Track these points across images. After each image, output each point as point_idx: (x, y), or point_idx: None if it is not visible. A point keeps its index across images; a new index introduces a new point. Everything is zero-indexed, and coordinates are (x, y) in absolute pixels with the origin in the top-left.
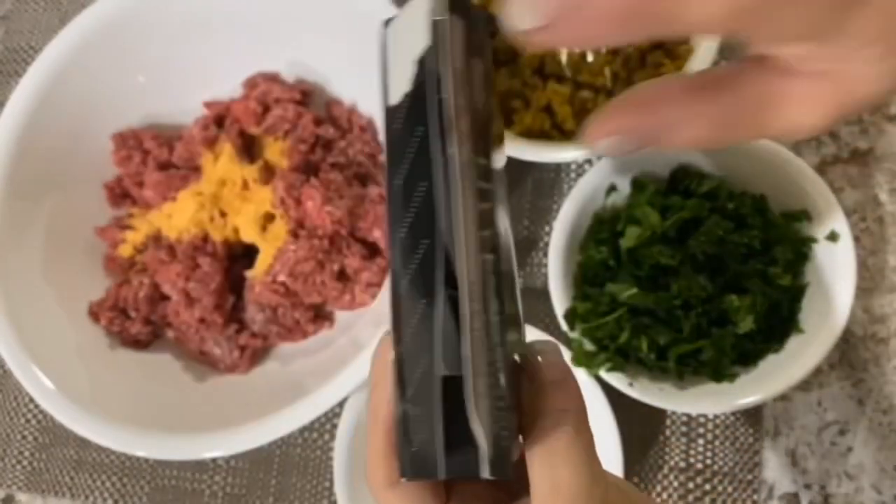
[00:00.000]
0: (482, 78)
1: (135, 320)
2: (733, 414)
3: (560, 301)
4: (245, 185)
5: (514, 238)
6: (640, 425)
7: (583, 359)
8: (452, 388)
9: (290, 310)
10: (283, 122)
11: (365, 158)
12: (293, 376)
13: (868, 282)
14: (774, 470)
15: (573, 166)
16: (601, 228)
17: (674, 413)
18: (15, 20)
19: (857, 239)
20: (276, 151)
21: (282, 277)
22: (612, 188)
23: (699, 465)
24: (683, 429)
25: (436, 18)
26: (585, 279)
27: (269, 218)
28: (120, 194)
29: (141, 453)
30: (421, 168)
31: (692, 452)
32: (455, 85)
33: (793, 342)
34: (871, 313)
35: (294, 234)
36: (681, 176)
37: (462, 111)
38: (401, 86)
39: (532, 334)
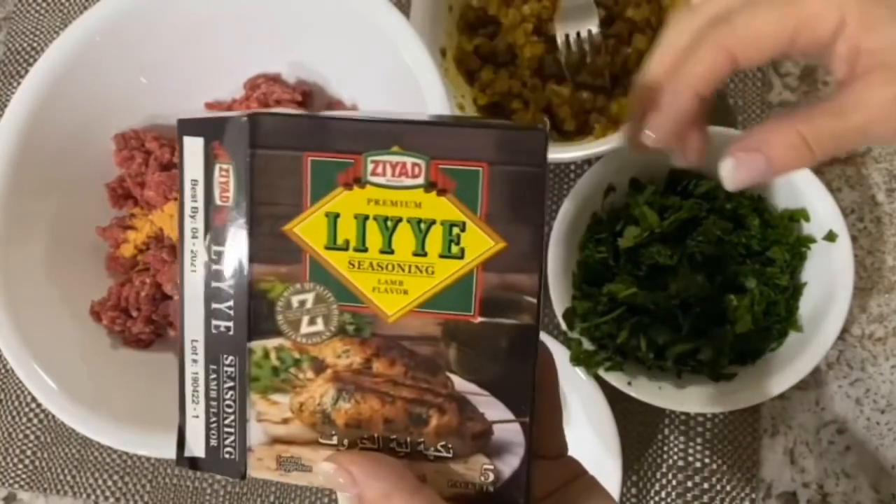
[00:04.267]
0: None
1: (136, 320)
2: (731, 413)
3: (559, 300)
4: None
5: None
6: (638, 424)
7: (582, 358)
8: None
9: None
10: None
11: None
12: None
13: (866, 281)
14: (772, 469)
15: (572, 166)
16: (600, 228)
17: (672, 412)
18: (17, 22)
19: (854, 239)
20: None
21: None
22: (610, 188)
23: (697, 464)
24: (682, 427)
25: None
26: (584, 279)
27: None
28: (122, 195)
29: (143, 452)
30: None
31: (690, 451)
32: None
33: (791, 342)
34: (868, 313)
35: None
36: (679, 176)
37: None
38: None
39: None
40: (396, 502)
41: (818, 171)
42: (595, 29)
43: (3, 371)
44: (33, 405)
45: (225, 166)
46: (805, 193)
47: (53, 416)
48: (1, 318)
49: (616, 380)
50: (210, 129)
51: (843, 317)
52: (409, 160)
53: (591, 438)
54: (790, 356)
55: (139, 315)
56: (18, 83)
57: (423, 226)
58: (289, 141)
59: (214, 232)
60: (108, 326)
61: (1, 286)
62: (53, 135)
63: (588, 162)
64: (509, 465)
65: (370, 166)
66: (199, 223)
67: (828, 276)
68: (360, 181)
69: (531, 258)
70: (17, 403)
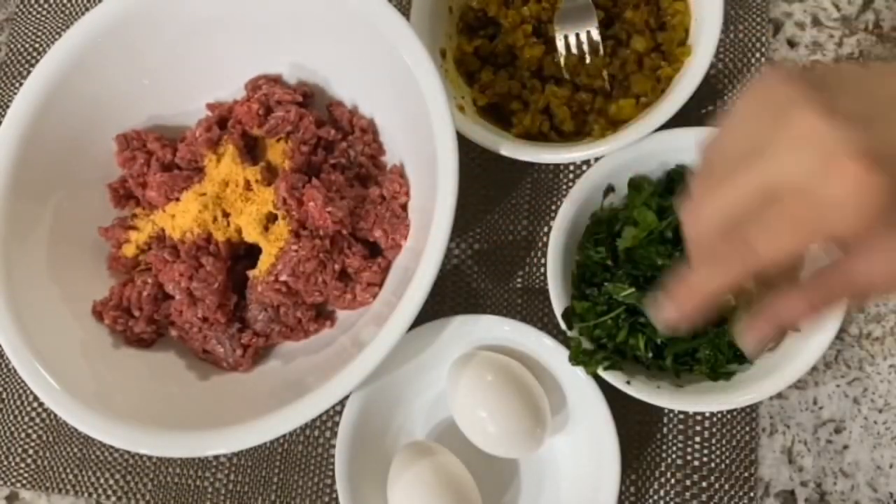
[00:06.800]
0: None
1: (138, 319)
2: (730, 412)
3: (558, 300)
4: (248, 186)
5: (514, 238)
6: (637, 423)
7: (581, 357)
8: None
9: (292, 309)
10: (284, 124)
11: (366, 160)
12: (295, 375)
13: None
14: (770, 467)
15: (571, 167)
16: (599, 229)
17: (671, 411)
18: (19, 23)
19: None
20: (278, 152)
21: (284, 277)
22: (609, 189)
23: (696, 463)
24: (680, 426)
25: None
26: (583, 279)
27: (271, 218)
28: (124, 195)
29: (144, 451)
30: None
31: (689, 450)
32: None
33: (789, 341)
34: (866, 312)
35: (296, 235)
36: (677, 177)
37: None
38: None
39: (531, 334)
40: None
41: None
42: (594, 30)
43: (5, 370)
44: (35, 404)
45: None
46: None
47: (55, 415)
48: (4, 318)
49: (615, 379)
50: None
51: (840, 316)
52: None
53: (589, 437)
54: (788, 355)
55: (141, 315)
56: (21, 84)
57: None
58: None
59: None
60: (110, 326)
61: (3, 286)
62: (56, 135)
63: (587, 163)
64: None
65: None
66: None
67: None
68: None
69: None
70: (19, 402)
